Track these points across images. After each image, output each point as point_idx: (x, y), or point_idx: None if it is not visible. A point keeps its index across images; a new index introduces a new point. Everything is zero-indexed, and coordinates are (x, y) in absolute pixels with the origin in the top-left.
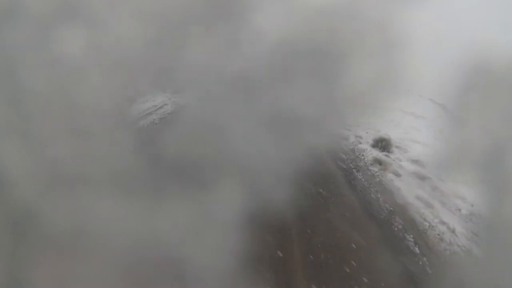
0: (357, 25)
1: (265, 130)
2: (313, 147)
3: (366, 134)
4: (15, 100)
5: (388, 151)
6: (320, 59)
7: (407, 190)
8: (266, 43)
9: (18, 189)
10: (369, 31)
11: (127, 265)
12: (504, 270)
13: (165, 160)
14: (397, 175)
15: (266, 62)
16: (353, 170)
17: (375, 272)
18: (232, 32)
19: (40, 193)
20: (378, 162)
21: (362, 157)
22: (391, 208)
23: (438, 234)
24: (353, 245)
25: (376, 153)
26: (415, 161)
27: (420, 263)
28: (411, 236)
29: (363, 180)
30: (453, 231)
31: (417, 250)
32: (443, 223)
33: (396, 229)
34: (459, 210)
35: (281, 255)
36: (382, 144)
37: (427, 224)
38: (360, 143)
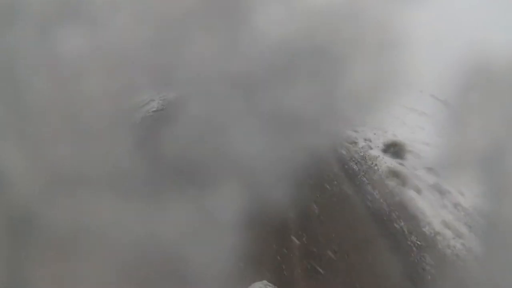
0: (357, 25)
1: (265, 130)
2: (319, 153)
3: (375, 136)
4: (15, 100)
5: (402, 158)
6: (321, 59)
7: (432, 214)
8: (267, 43)
9: (18, 189)
10: (370, 31)
11: (127, 265)
12: (505, 270)
13: (165, 160)
14: (418, 191)
15: (266, 61)
16: (368, 186)
17: (376, 272)
18: (233, 32)
19: (40, 193)
20: (395, 174)
21: (376, 168)
22: (419, 242)
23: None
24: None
25: (390, 162)
26: (430, 170)
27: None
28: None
29: (382, 201)
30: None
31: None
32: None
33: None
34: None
35: (281, 255)
36: (395, 149)
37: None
38: (371, 148)
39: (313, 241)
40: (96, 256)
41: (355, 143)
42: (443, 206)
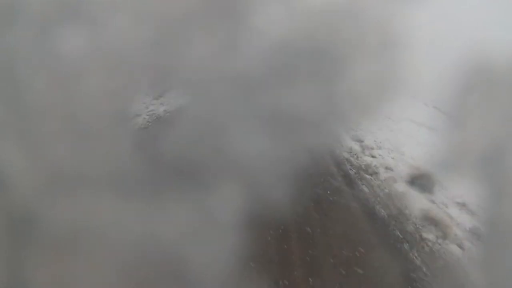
0: (357, 24)
1: (265, 130)
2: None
3: (393, 161)
4: (15, 100)
5: (431, 192)
6: (322, 59)
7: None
8: (267, 43)
9: (17, 189)
10: (370, 31)
11: (127, 265)
12: (505, 270)
13: (165, 160)
14: (460, 246)
15: (266, 61)
16: (404, 245)
17: (376, 272)
18: (232, 31)
19: (40, 193)
20: (431, 220)
21: (407, 212)
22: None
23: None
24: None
25: (421, 201)
26: (462, 206)
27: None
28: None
29: (426, 271)
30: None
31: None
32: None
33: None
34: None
35: (281, 255)
36: (423, 182)
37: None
38: (395, 181)
39: (313, 241)
40: (96, 256)
41: (376, 173)
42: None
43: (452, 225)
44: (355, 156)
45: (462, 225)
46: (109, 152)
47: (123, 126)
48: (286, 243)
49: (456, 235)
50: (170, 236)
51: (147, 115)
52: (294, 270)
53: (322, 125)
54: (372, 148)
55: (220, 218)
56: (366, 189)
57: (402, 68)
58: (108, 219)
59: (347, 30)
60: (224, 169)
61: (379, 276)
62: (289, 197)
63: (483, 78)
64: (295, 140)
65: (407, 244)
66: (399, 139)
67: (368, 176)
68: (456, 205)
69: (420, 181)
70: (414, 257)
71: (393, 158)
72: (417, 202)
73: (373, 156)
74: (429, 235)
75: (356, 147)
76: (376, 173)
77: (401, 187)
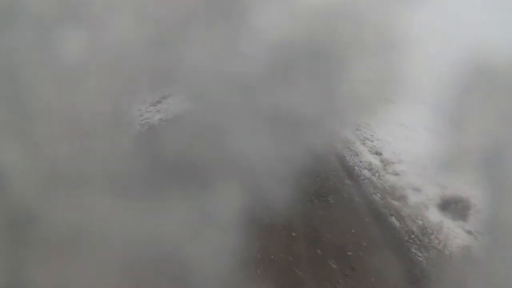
0: (357, 24)
1: (265, 130)
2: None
3: (419, 179)
4: (14, 100)
5: (466, 219)
6: (322, 59)
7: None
8: (267, 43)
9: (17, 190)
10: (370, 31)
11: (127, 265)
12: (505, 270)
13: (165, 160)
14: None
15: (266, 61)
16: None
17: (379, 272)
18: (232, 31)
19: (40, 193)
20: (469, 258)
21: (447, 253)
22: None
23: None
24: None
25: (459, 234)
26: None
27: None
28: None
29: None
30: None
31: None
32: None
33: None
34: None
35: (282, 255)
36: (457, 207)
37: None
38: (427, 207)
39: (314, 241)
40: (96, 256)
41: (404, 197)
42: None
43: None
44: (377, 175)
45: None
46: (109, 152)
47: (123, 126)
48: (287, 242)
49: None
50: (170, 236)
51: (147, 115)
52: (296, 270)
53: (324, 126)
54: (393, 163)
55: (221, 218)
56: (396, 223)
57: (402, 69)
58: (108, 219)
59: (347, 30)
60: (225, 169)
61: None
62: (290, 198)
63: (483, 78)
64: (296, 141)
65: None
66: (418, 149)
67: (396, 203)
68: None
69: (456, 206)
70: None
71: (418, 175)
72: (456, 236)
73: (396, 174)
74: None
75: (376, 162)
76: (403, 196)
77: (434, 215)
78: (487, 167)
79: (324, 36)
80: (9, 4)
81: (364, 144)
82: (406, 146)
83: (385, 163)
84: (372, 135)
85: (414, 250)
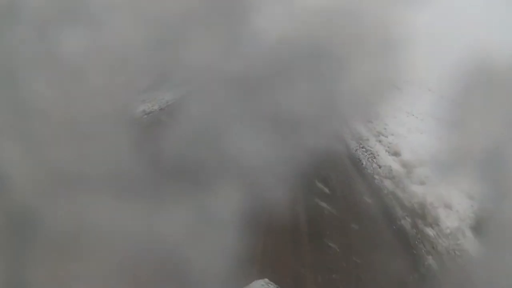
0: (358, 24)
1: (265, 129)
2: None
3: (448, 194)
4: (15, 100)
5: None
6: (322, 58)
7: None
8: (267, 43)
9: (19, 190)
10: (370, 31)
11: (127, 265)
12: (505, 269)
13: (165, 160)
14: None
15: (266, 61)
16: None
17: (381, 270)
18: (232, 31)
19: (41, 194)
20: None
21: None
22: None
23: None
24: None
25: None
26: None
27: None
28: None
29: None
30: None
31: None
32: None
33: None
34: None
35: (283, 254)
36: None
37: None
38: (464, 234)
39: (314, 241)
40: (96, 256)
41: (437, 221)
42: None
43: None
44: (402, 186)
45: None
46: (109, 152)
47: (123, 126)
48: (289, 242)
49: None
50: (170, 235)
51: (148, 115)
52: (298, 269)
53: (329, 123)
54: (415, 166)
55: (221, 218)
56: (434, 265)
57: (402, 67)
58: (108, 219)
59: (347, 29)
60: (225, 169)
61: None
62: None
63: (483, 77)
64: (298, 141)
65: None
66: (432, 143)
67: (430, 232)
68: None
69: (484, 228)
70: None
71: (442, 180)
72: None
73: (422, 183)
74: None
75: (396, 166)
76: (436, 220)
77: (470, 243)
78: (489, 166)
79: (325, 36)
80: (9, 4)
81: (379, 141)
82: (420, 140)
83: (407, 167)
84: (385, 128)
85: None
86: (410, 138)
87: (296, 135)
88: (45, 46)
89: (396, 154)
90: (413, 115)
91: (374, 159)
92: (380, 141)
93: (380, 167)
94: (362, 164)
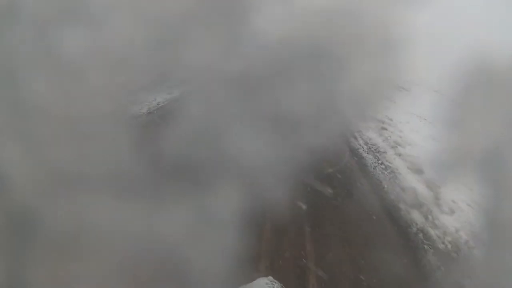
0: (358, 24)
1: (265, 129)
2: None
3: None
4: (15, 100)
5: None
6: (322, 58)
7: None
8: (267, 43)
9: (19, 190)
10: (370, 31)
11: (127, 265)
12: (505, 270)
13: (165, 160)
14: None
15: (266, 61)
16: None
17: (382, 271)
18: (232, 31)
19: (40, 194)
20: None
21: None
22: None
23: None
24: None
25: None
26: None
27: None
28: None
29: None
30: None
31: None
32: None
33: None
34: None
35: (284, 254)
36: None
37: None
38: None
39: (314, 241)
40: (96, 256)
41: (473, 270)
42: None
43: None
44: (430, 218)
45: None
46: (109, 152)
47: (123, 126)
48: (288, 242)
49: None
50: (170, 235)
51: (148, 115)
52: (298, 269)
53: (326, 128)
54: (439, 186)
55: (221, 218)
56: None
57: (403, 67)
58: (108, 219)
59: (347, 29)
60: (225, 169)
61: None
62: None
63: (483, 77)
64: (297, 143)
65: None
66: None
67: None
68: None
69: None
70: None
71: (470, 206)
72: None
73: (452, 212)
74: None
75: (422, 189)
76: (473, 270)
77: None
78: (489, 166)
79: (325, 35)
80: (9, 4)
81: (398, 155)
82: (435, 147)
83: (434, 191)
84: (400, 137)
85: None
86: (427, 148)
87: (296, 135)
88: (45, 46)
89: (418, 171)
90: (425, 119)
91: (396, 180)
92: (398, 154)
93: (403, 190)
94: (384, 188)
